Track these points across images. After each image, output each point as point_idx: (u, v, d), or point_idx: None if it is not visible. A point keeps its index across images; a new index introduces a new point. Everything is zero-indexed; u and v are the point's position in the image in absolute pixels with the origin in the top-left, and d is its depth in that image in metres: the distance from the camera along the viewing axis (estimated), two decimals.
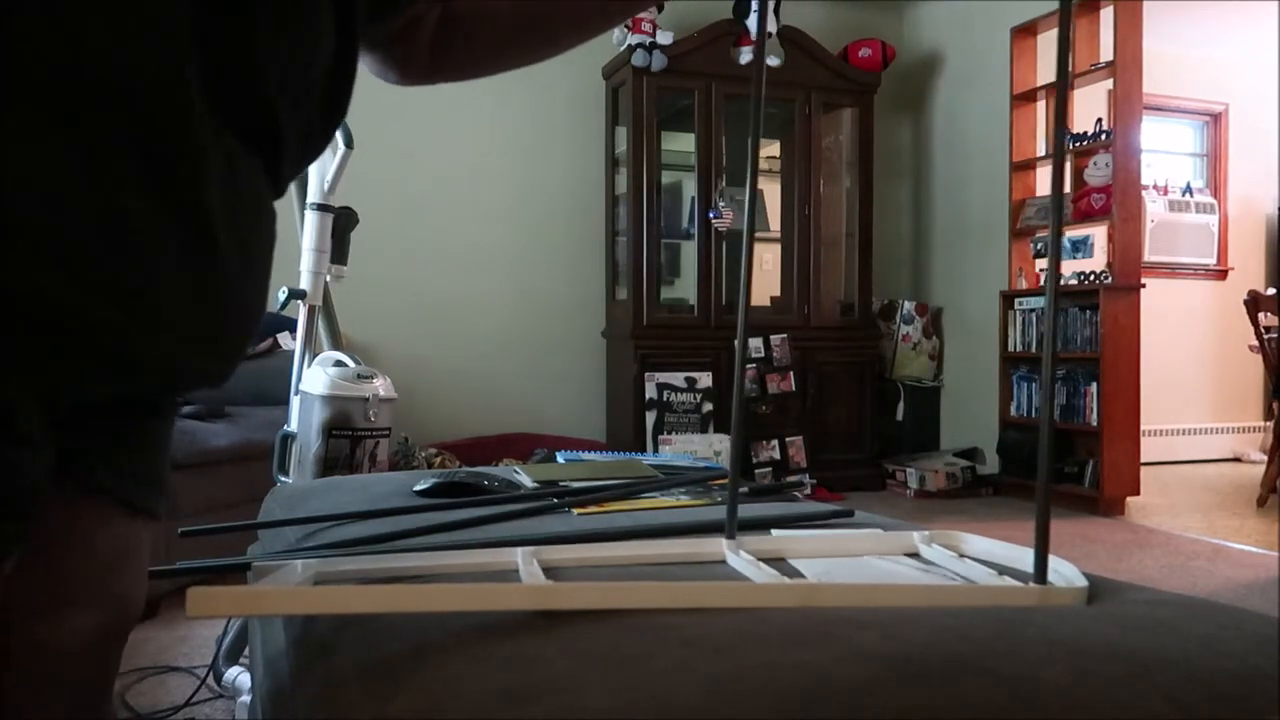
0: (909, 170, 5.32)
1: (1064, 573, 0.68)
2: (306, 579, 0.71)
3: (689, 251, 4.64)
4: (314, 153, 0.72)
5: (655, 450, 4.15)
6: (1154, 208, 5.67)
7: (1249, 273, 5.99)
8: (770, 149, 4.99)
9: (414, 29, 0.83)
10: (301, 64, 0.64)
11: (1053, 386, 0.59)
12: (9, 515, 0.54)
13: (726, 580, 0.70)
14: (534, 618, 0.60)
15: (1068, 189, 4.29)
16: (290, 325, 3.24)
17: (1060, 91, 0.65)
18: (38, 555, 0.60)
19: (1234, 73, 5.96)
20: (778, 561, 0.76)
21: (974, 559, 0.76)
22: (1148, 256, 5.39)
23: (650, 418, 4.28)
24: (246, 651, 1.72)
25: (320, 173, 2.06)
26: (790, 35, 4.57)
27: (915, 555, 0.80)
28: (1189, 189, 5.89)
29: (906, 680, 0.48)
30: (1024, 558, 0.71)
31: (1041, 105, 4.37)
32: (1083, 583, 0.66)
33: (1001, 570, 0.72)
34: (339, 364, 2.04)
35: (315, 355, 2.12)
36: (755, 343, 4.46)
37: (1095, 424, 4.02)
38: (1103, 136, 4.11)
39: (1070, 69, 0.64)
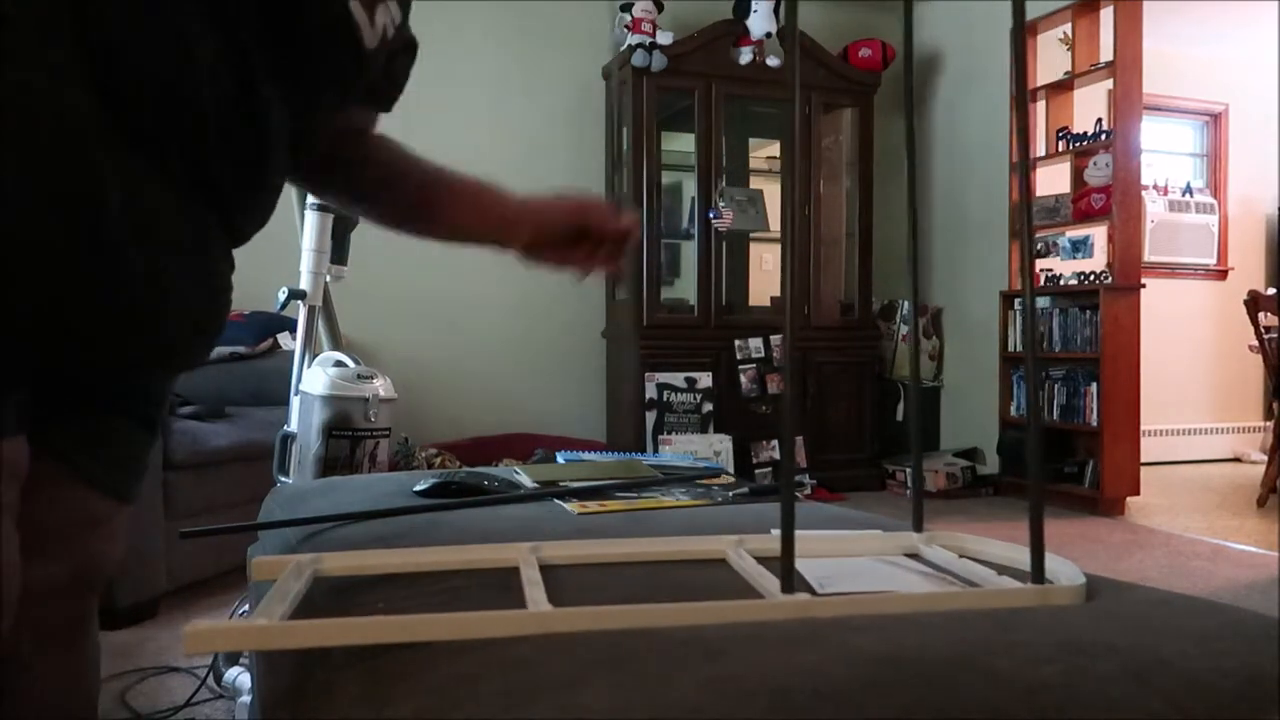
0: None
1: (1062, 571, 0.68)
2: (307, 577, 0.71)
3: (689, 251, 4.63)
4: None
5: (655, 450, 4.15)
6: (1154, 208, 5.67)
7: (1249, 273, 5.99)
8: (770, 149, 5.00)
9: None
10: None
11: (1036, 379, 0.58)
12: None
13: (728, 586, 0.71)
14: None
15: (1068, 189, 4.29)
16: (290, 326, 3.24)
17: (1021, 104, 0.65)
18: (25, 510, 0.70)
19: (1234, 73, 5.96)
20: (777, 561, 0.76)
21: (974, 559, 0.76)
22: (1148, 256, 5.38)
23: (650, 418, 4.27)
24: (246, 651, 1.72)
25: None
26: None
27: (916, 556, 0.80)
28: (1189, 189, 5.89)
29: (904, 680, 0.48)
30: (1024, 557, 0.71)
31: (1042, 105, 4.37)
32: (1081, 580, 0.66)
33: (1001, 569, 0.72)
34: (339, 364, 2.04)
35: (315, 355, 2.12)
36: (755, 342, 4.46)
37: (1095, 424, 4.02)
38: (1103, 136, 4.11)
39: (1026, 78, 0.64)
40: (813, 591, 0.68)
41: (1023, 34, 0.65)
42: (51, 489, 0.73)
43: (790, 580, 0.64)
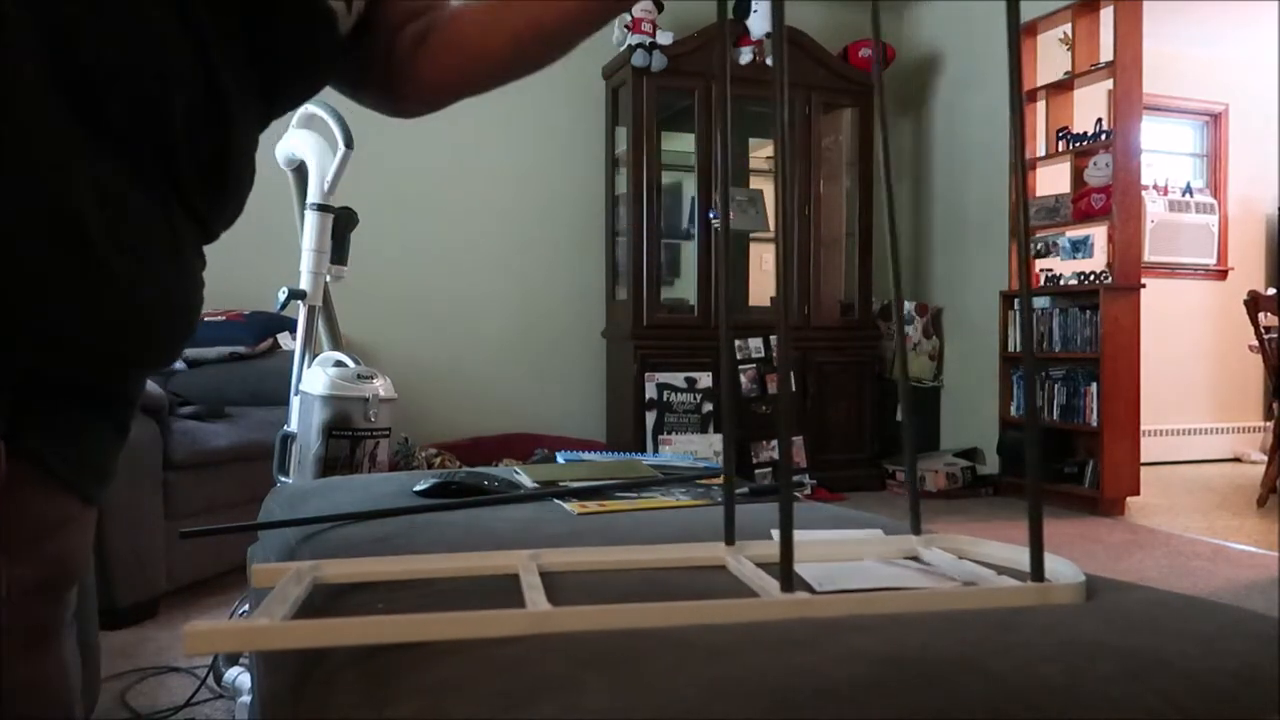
0: (909, 170, 5.32)
1: (1062, 571, 0.68)
2: (306, 583, 0.71)
3: (689, 251, 4.64)
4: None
5: (655, 450, 4.15)
6: (1154, 208, 5.67)
7: (1249, 273, 5.99)
8: (770, 149, 5.00)
9: (382, 60, 0.88)
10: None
11: (1034, 379, 0.59)
12: None
13: (726, 588, 0.71)
14: None
15: (1068, 189, 4.29)
16: (290, 326, 3.24)
17: (1016, 107, 0.65)
18: None
19: (1234, 73, 5.96)
20: (777, 565, 0.76)
21: (973, 560, 0.76)
22: (1148, 256, 5.39)
23: (650, 418, 4.28)
24: (247, 651, 1.72)
25: (320, 173, 2.06)
26: (790, 35, 4.57)
27: (915, 558, 0.80)
28: (1189, 189, 5.89)
29: (904, 680, 0.48)
30: (1023, 558, 0.71)
31: (1041, 105, 4.37)
32: (1080, 579, 0.66)
33: (1001, 570, 0.72)
34: (339, 364, 2.04)
35: (315, 355, 2.12)
36: (756, 343, 4.46)
37: (1095, 424, 4.02)
38: (1103, 136, 4.11)
39: (1020, 86, 0.63)
40: (812, 591, 0.68)
41: (1018, 35, 0.65)
42: (22, 490, 0.73)
43: (790, 580, 0.64)
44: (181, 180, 0.71)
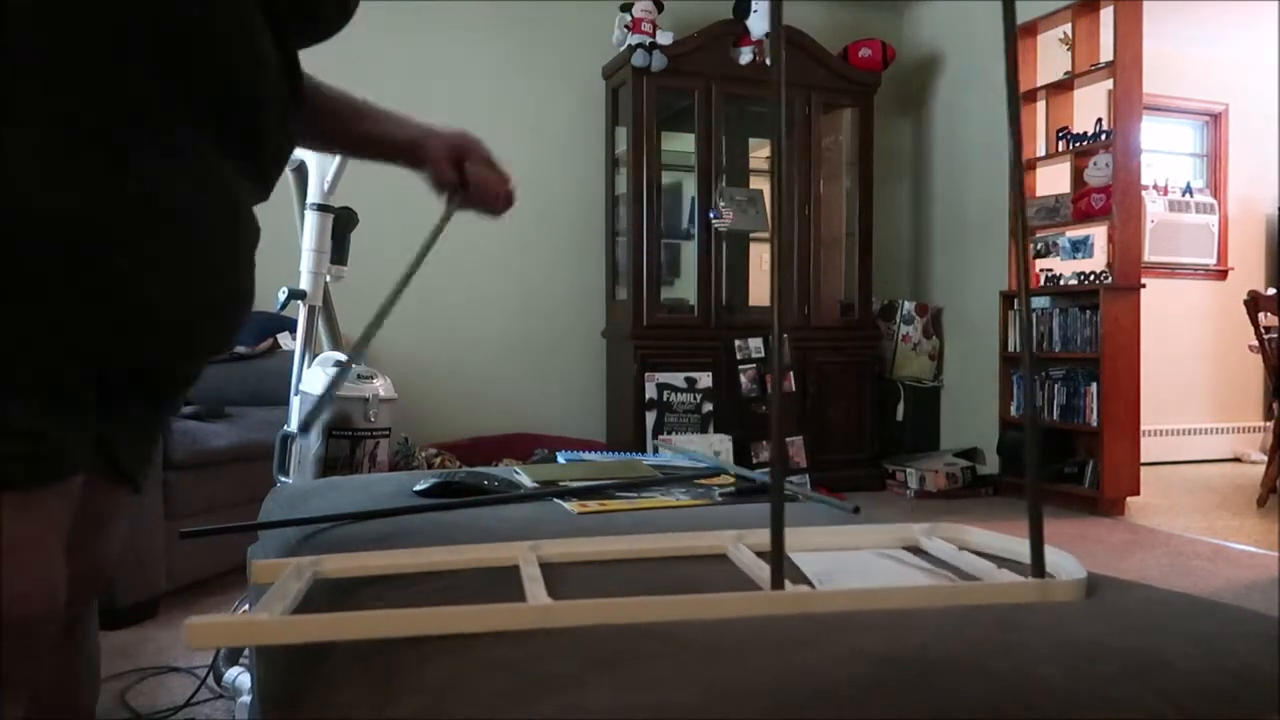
0: (909, 170, 5.32)
1: (1063, 564, 0.68)
2: (307, 578, 0.71)
3: (689, 251, 4.63)
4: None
5: (655, 451, 4.14)
6: (1154, 208, 5.67)
7: (1249, 273, 5.99)
8: (770, 149, 5.00)
9: None
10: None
11: (1032, 374, 0.59)
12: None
13: (727, 577, 0.71)
14: None
15: (1068, 189, 4.29)
16: (290, 325, 3.23)
17: (1013, 106, 0.65)
18: None
19: (1234, 73, 5.96)
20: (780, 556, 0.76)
21: (974, 552, 0.76)
22: (1148, 256, 5.38)
23: (650, 418, 4.27)
24: (246, 651, 1.72)
25: (320, 173, 2.06)
26: (790, 35, 4.57)
27: (917, 549, 0.80)
28: (1189, 189, 5.89)
29: (905, 680, 0.48)
30: (1024, 549, 0.71)
31: (1041, 105, 4.37)
32: (1081, 575, 0.66)
33: (1002, 562, 0.72)
34: (339, 364, 2.04)
35: (315, 355, 2.12)
36: (755, 343, 4.46)
37: (1095, 424, 4.02)
38: (1103, 136, 4.11)
39: (1018, 93, 0.63)
40: (811, 587, 0.67)
41: (1013, 36, 0.65)
42: (87, 481, 0.73)
43: (780, 576, 0.64)
44: (265, 145, 0.74)
